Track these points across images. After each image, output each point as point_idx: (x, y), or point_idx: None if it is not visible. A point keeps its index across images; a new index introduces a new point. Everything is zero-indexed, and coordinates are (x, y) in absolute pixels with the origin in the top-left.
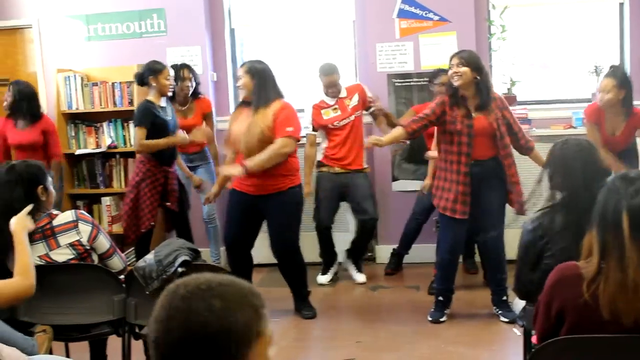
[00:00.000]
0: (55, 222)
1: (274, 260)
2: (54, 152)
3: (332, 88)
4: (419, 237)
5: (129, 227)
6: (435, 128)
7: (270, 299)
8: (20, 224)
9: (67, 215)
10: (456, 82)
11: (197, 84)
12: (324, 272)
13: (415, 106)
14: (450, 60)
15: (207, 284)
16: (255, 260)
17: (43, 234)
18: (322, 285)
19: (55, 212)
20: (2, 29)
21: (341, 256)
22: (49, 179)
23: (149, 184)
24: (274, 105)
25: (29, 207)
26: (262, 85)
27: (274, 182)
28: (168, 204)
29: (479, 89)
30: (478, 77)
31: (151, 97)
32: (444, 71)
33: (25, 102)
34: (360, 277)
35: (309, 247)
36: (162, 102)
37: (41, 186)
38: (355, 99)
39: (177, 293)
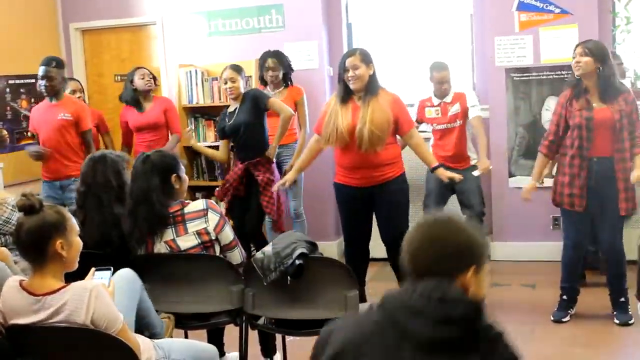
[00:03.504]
0: (186, 210)
1: (384, 255)
2: (176, 129)
3: (442, 85)
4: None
5: None
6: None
7: (381, 294)
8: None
9: (198, 204)
10: (577, 72)
11: (285, 72)
12: None
13: None
14: (575, 49)
15: (453, 216)
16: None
17: (174, 220)
18: None
19: (187, 201)
20: (127, 26)
21: None
22: (182, 167)
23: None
24: (382, 94)
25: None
26: (374, 74)
27: (382, 172)
28: (215, 191)
29: (600, 80)
30: (601, 68)
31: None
32: None
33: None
34: None
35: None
36: (232, 106)
37: (175, 175)
38: (456, 107)
39: (437, 220)
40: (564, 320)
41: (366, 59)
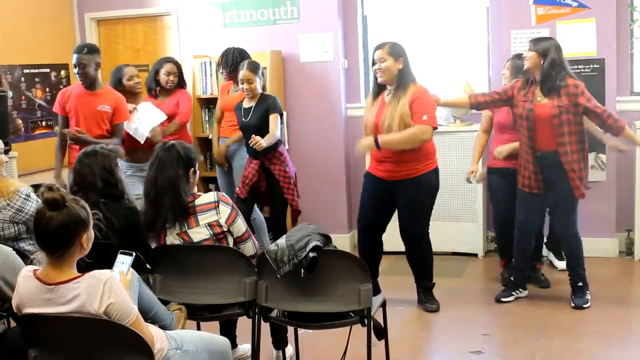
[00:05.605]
0: (197, 202)
1: (401, 249)
2: (181, 117)
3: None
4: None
5: None
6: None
7: (395, 287)
8: None
9: (209, 196)
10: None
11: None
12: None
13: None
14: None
15: None
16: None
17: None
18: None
19: (198, 193)
20: (142, 16)
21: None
22: (197, 162)
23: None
24: (410, 90)
25: None
26: (405, 68)
27: (406, 168)
28: (237, 189)
29: (540, 74)
30: (543, 62)
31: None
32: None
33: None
34: (561, 264)
35: (440, 237)
36: (246, 103)
37: (193, 169)
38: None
39: None
40: (503, 300)
41: (395, 52)
